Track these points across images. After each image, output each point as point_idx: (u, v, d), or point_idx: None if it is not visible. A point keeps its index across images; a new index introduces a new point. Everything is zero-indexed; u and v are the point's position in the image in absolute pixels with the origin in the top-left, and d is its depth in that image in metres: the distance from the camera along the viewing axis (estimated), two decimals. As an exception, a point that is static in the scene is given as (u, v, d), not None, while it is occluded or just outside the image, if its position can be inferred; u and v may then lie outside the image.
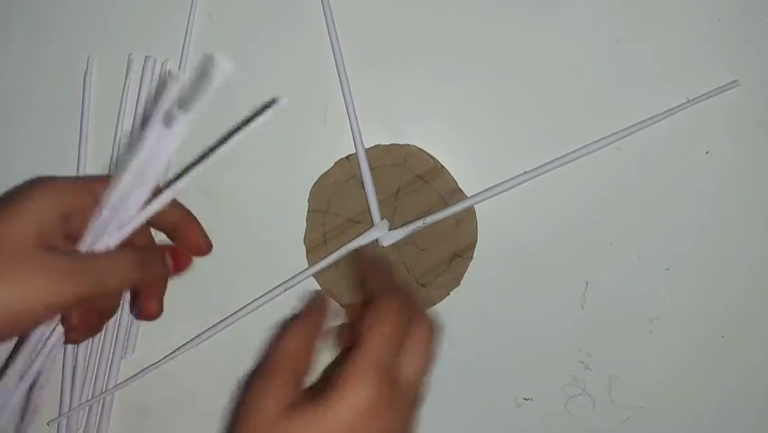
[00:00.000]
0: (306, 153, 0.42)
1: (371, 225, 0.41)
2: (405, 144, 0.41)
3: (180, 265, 0.37)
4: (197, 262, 0.42)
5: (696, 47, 0.41)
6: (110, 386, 0.42)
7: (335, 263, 0.41)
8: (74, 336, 0.34)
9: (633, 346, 0.42)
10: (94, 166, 0.42)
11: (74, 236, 0.33)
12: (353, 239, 0.41)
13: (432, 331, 0.32)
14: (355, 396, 0.28)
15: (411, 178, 0.41)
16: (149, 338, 0.42)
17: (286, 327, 0.33)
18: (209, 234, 0.41)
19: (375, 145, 0.41)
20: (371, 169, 0.41)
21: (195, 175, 0.32)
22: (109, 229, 0.33)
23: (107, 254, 0.33)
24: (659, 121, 0.40)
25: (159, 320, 0.42)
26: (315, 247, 0.41)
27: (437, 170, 0.41)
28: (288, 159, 0.42)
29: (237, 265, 0.42)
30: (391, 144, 0.41)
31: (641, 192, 0.41)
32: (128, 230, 0.33)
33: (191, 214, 0.38)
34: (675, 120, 0.41)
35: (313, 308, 0.34)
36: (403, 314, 0.31)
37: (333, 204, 0.41)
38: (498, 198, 0.41)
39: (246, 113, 0.42)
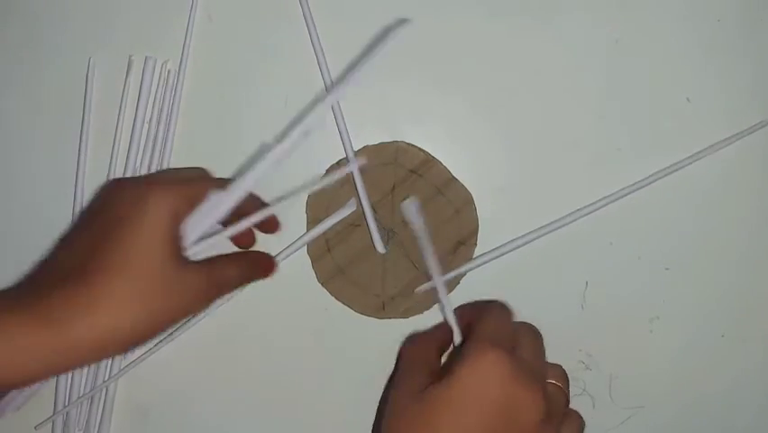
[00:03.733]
0: (307, 153, 0.42)
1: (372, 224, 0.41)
2: (392, 141, 0.41)
3: (269, 270, 0.39)
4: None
5: (696, 47, 0.41)
6: (110, 386, 0.42)
7: (342, 270, 0.41)
8: None
9: (633, 346, 0.42)
10: (93, 166, 0.42)
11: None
12: (359, 247, 0.41)
13: (535, 330, 0.36)
14: (476, 365, 0.31)
15: (404, 173, 0.41)
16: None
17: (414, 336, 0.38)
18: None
19: (363, 147, 0.41)
20: (362, 172, 0.40)
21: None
22: (208, 230, 0.35)
23: (226, 264, 0.35)
24: (698, 159, 0.41)
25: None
26: (319, 256, 0.41)
27: (429, 162, 0.41)
28: (289, 159, 0.42)
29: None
30: (379, 144, 0.41)
31: (641, 192, 0.41)
32: (231, 232, 0.35)
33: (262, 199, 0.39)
34: (675, 120, 0.41)
35: (439, 328, 0.38)
36: (509, 312, 0.36)
37: (331, 211, 0.41)
38: (497, 197, 0.41)
39: (246, 113, 0.42)
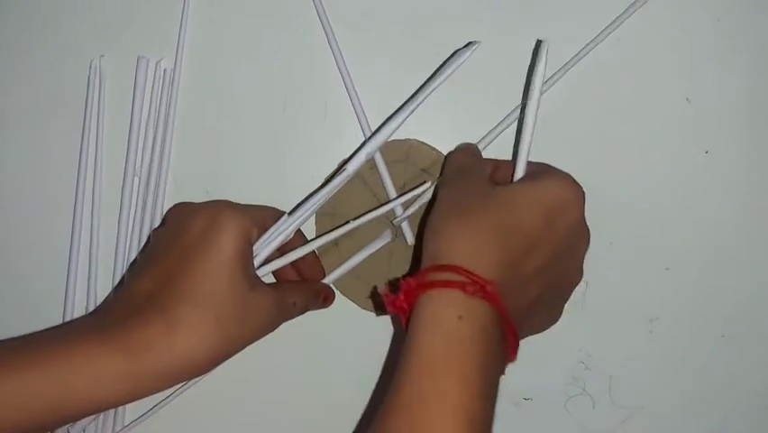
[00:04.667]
0: (307, 154, 0.42)
1: (378, 223, 0.41)
2: (406, 139, 0.41)
3: (328, 300, 0.41)
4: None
5: (696, 47, 0.41)
6: None
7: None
8: None
9: (633, 346, 0.42)
10: (94, 165, 0.42)
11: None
12: (367, 243, 0.41)
13: None
14: (562, 181, 0.33)
15: (415, 172, 0.41)
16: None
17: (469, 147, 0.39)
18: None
19: None
20: (372, 168, 0.40)
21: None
22: (272, 255, 0.37)
23: (292, 290, 0.37)
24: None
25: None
26: (326, 250, 0.41)
27: (441, 161, 0.41)
28: (289, 160, 0.42)
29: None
30: (392, 140, 0.41)
31: (641, 192, 0.41)
32: (291, 258, 0.37)
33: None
34: (675, 120, 0.41)
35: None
36: None
37: (338, 206, 0.41)
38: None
39: (247, 113, 0.42)
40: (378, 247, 0.40)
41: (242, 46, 0.42)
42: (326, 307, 0.41)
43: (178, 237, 0.34)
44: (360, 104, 0.41)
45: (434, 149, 0.41)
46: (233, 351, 0.33)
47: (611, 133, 0.41)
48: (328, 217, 0.41)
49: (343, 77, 0.41)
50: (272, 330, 0.36)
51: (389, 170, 0.40)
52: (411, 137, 0.41)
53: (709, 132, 0.41)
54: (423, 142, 0.41)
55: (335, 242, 0.41)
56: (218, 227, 0.33)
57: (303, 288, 0.39)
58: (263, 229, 0.36)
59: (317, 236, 0.41)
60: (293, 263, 0.39)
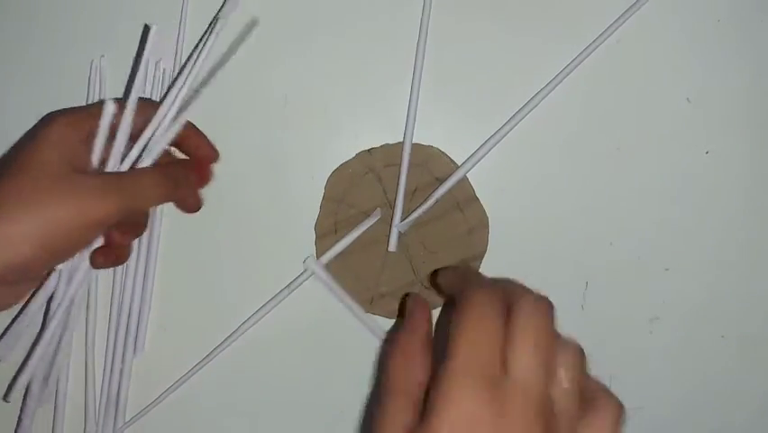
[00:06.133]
0: (308, 151, 0.42)
1: (385, 219, 0.41)
2: (428, 145, 0.41)
3: (204, 177, 0.40)
4: (205, 253, 0.42)
5: (696, 47, 0.41)
6: (123, 384, 0.42)
7: (343, 254, 0.41)
8: (103, 259, 0.36)
9: (633, 346, 0.42)
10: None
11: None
12: (366, 235, 0.41)
13: (541, 313, 0.29)
14: (455, 412, 0.26)
15: (429, 179, 0.41)
16: (158, 335, 0.42)
17: (391, 345, 0.31)
18: (215, 230, 0.41)
19: (397, 143, 0.41)
20: (389, 165, 0.40)
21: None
22: (131, 150, 0.36)
23: (138, 172, 0.36)
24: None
25: (166, 312, 0.42)
26: (324, 234, 0.41)
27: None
28: (289, 158, 0.42)
29: (244, 253, 0.42)
30: (414, 144, 0.41)
31: (641, 192, 0.41)
32: (157, 150, 0.36)
33: (194, 125, 0.39)
34: (675, 120, 0.41)
35: (413, 318, 0.33)
36: (495, 306, 0.28)
37: (348, 195, 0.41)
38: (497, 199, 0.41)
39: (247, 111, 0.42)
40: (368, 225, 0.40)
41: (243, 45, 0.42)
42: (200, 188, 0.40)
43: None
44: (417, 101, 0.41)
45: (452, 161, 0.41)
46: (67, 232, 0.32)
47: (611, 134, 0.41)
48: (334, 203, 0.41)
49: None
50: (121, 213, 0.34)
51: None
52: (400, 139, 0.41)
53: (709, 132, 0.41)
54: (443, 153, 0.41)
55: (335, 228, 0.41)
56: (37, 131, 0.34)
57: (158, 170, 0.36)
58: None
59: (319, 220, 0.41)
60: (181, 148, 0.38)
